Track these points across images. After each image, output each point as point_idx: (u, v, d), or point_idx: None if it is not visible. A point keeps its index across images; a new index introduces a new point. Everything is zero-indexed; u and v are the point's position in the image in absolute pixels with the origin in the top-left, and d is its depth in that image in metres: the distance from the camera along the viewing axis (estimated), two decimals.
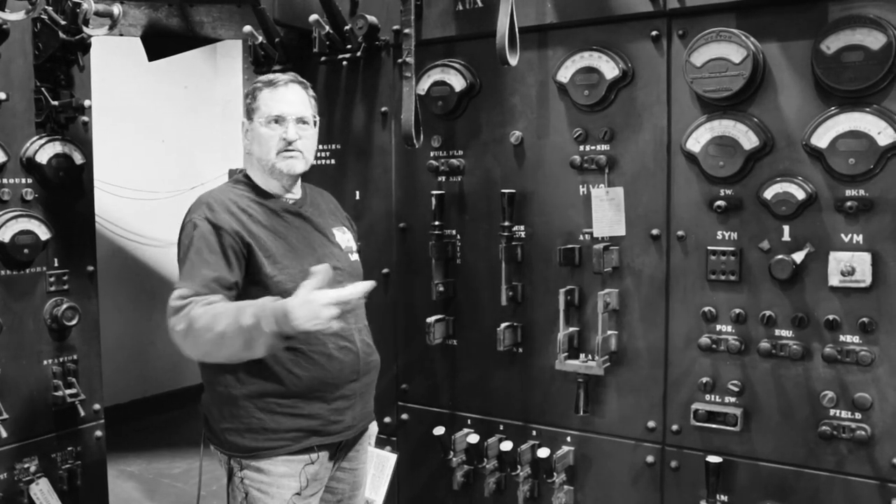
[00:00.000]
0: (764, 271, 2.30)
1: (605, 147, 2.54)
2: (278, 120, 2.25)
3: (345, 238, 2.42)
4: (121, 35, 3.14)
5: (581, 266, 2.58)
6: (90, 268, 2.96)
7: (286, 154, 2.25)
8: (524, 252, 2.69)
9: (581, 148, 2.58)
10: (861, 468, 2.22)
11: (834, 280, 2.20)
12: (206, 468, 2.44)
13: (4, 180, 2.69)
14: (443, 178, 2.85)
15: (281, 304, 1.98)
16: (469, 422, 2.85)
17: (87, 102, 2.86)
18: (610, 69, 2.47)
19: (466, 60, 2.76)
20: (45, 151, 2.75)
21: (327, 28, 2.85)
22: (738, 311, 2.35)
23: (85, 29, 2.60)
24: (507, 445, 2.72)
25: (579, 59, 2.52)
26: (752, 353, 2.34)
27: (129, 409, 5.55)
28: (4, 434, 2.63)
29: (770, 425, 2.34)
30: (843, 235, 2.21)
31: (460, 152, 2.82)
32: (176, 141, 6.00)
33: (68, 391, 2.82)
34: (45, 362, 2.82)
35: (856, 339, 2.21)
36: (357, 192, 3.00)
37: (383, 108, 2.93)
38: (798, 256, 2.24)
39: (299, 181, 2.38)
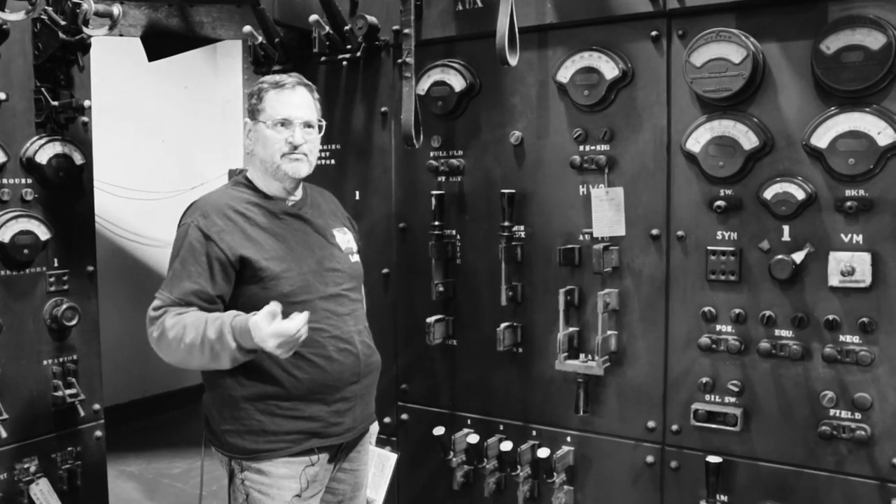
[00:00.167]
0: (764, 271, 2.30)
1: (604, 147, 2.54)
2: (284, 123, 2.23)
3: (345, 239, 2.41)
4: (121, 35, 3.13)
5: (581, 266, 2.58)
6: (90, 268, 2.96)
7: (292, 157, 2.23)
8: (524, 252, 2.69)
9: (581, 148, 2.58)
10: (861, 468, 2.22)
11: (834, 280, 2.20)
12: (206, 468, 2.44)
13: (4, 180, 2.69)
14: (443, 179, 2.85)
15: (242, 318, 2.03)
16: (469, 422, 2.85)
17: (86, 102, 2.86)
18: (610, 69, 2.47)
19: (466, 60, 2.76)
20: (45, 151, 2.75)
21: (327, 28, 2.84)
22: (737, 311, 2.35)
23: (85, 29, 2.60)
24: (506, 445, 2.72)
25: (579, 60, 2.52)
26: (752, 353, 2.34)
27: (129, 409, 5.54)
28: (4, 434, 2.63)
29: (770, 425, 2.34)
30: (842, 235, 2.21)
31: (460, 152, 2.81)
32: (176, 141, 5.99)
33: (68, 391, 2.82)
34: (44, 362, 2.82)
35: (856, 339, 2.21)
36: (357, 193, 3.00)
37: (383, 109, 2.93)
38: (798, 256, 2.24)
39: (301, 183, 2.37)
